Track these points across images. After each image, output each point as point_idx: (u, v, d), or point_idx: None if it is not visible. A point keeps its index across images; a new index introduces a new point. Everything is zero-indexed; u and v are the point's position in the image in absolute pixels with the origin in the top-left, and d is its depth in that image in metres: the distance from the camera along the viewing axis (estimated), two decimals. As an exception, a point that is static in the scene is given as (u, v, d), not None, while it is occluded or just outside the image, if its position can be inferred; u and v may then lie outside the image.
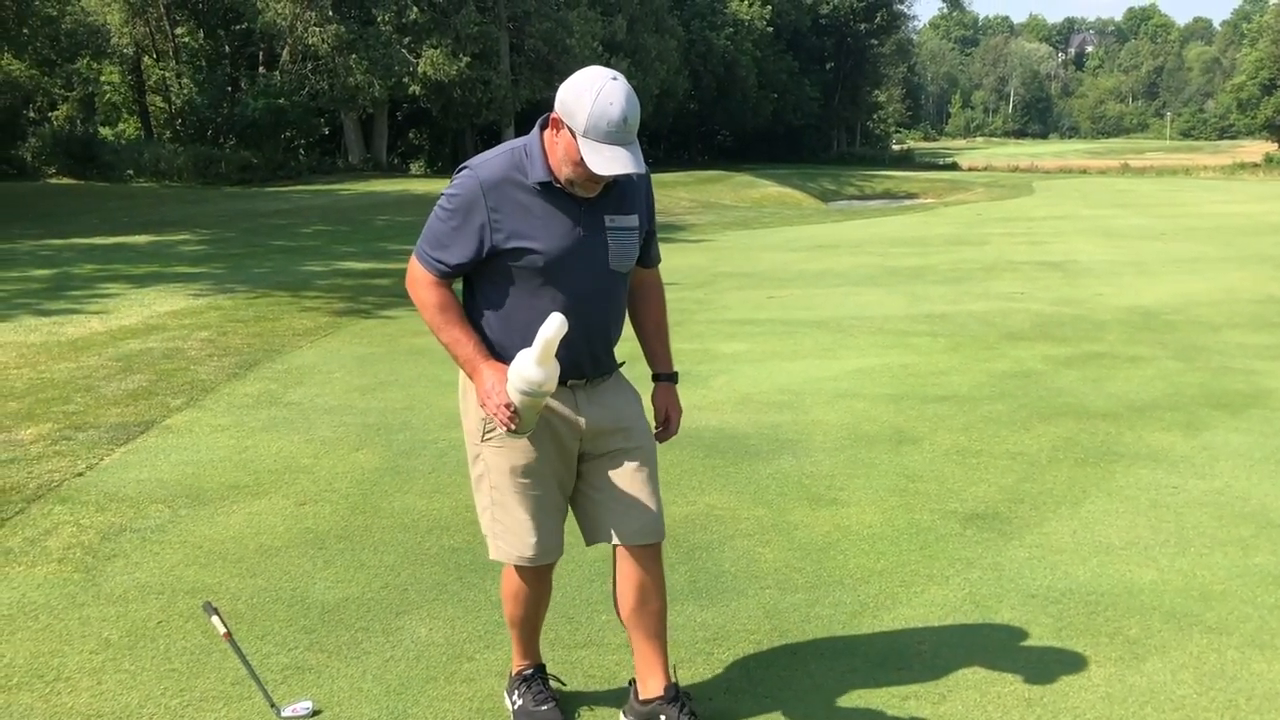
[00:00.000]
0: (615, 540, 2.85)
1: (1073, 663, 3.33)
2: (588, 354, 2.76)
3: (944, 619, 3.64)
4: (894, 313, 10.49)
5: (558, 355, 2.57)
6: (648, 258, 2.95)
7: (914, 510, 4.72)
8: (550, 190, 2.64)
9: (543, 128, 2.66)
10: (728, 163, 51.54)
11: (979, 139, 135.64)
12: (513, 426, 2.61)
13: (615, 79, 2.55)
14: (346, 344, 8.62)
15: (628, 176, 2.64)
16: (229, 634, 3.28)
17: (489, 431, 2.76)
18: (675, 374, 3.09)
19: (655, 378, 3.06)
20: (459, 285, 2.81)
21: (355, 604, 3.73)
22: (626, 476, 2.84)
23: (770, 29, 52.81)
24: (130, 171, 31.95)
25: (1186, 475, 5.22)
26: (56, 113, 35.92)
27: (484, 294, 2.74)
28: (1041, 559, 4.16)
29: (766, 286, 12.66)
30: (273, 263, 14.41)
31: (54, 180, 30.71)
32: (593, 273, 2.70)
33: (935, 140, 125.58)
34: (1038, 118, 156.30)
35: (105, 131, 38.22)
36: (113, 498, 4.78)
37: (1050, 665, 3.31)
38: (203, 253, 15.67)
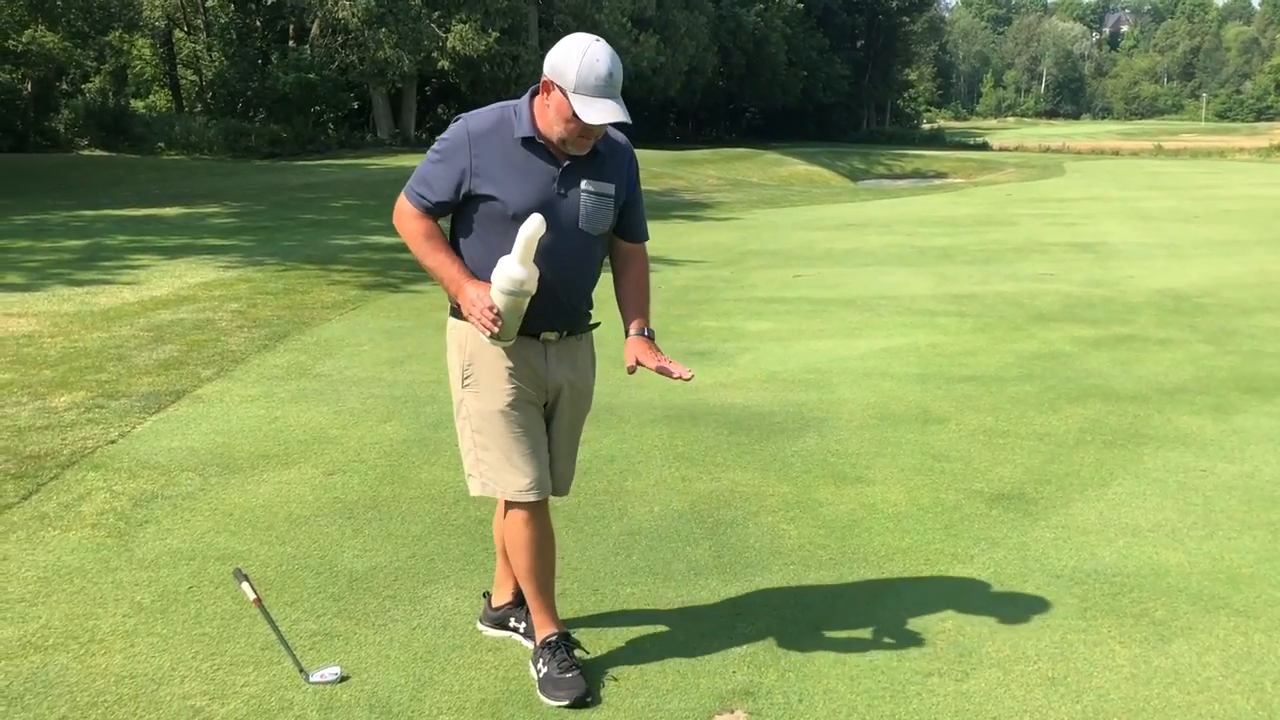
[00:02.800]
0: None
1: (1097, 643, 3.33)
2: (559, 307, 2.95)
3: (968, 598, 3.64)
4: (922, 293, 10.44)
5: (535, 306, 2.82)
6: (634, 231, 3.12)
7: (939, 489, 4.71)
8: (533, 145, 2.86)
9: (533, 95, 2.88)
10: (756, 140, 51.30)
11: (1010, 119, 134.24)
12: (495, 329, 2.79)
13: (598, 41, 2.78)
14: (375, 317, 8.67)
15: (612, 144, 2.95)
16: (259, 600, 3.33)
17: (468, 377, 2.99)
18: (649, 331, 3.11)
19: (626, 334, 3.11)
20: (446, 225, 3.02)
21: (383, 573, 3.78)
22: (562, 433, 3.11)
23: (801, 6, 52.44)
24: (161, 144, 32.15)
25: (1216, 459, 5.19)
26: (89, 85, 36.12)
27: (464, 238, 2.96)
28: (1067, 540, 4.15)
29: (794, 265, 12.62)
30: (301, 236, 14.48)
31: (86, 152, 30.94)
32: (563, 229, 2.87)
33: (966, 120, 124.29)
34: (1070, 98, 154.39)
35: (137, 104, 38.43)
36: (145, 465, 4.84)
37: (1074, 645, 3.31)
38: (233, 225, 15.75)
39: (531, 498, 2.99)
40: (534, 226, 2.73)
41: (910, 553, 4.03)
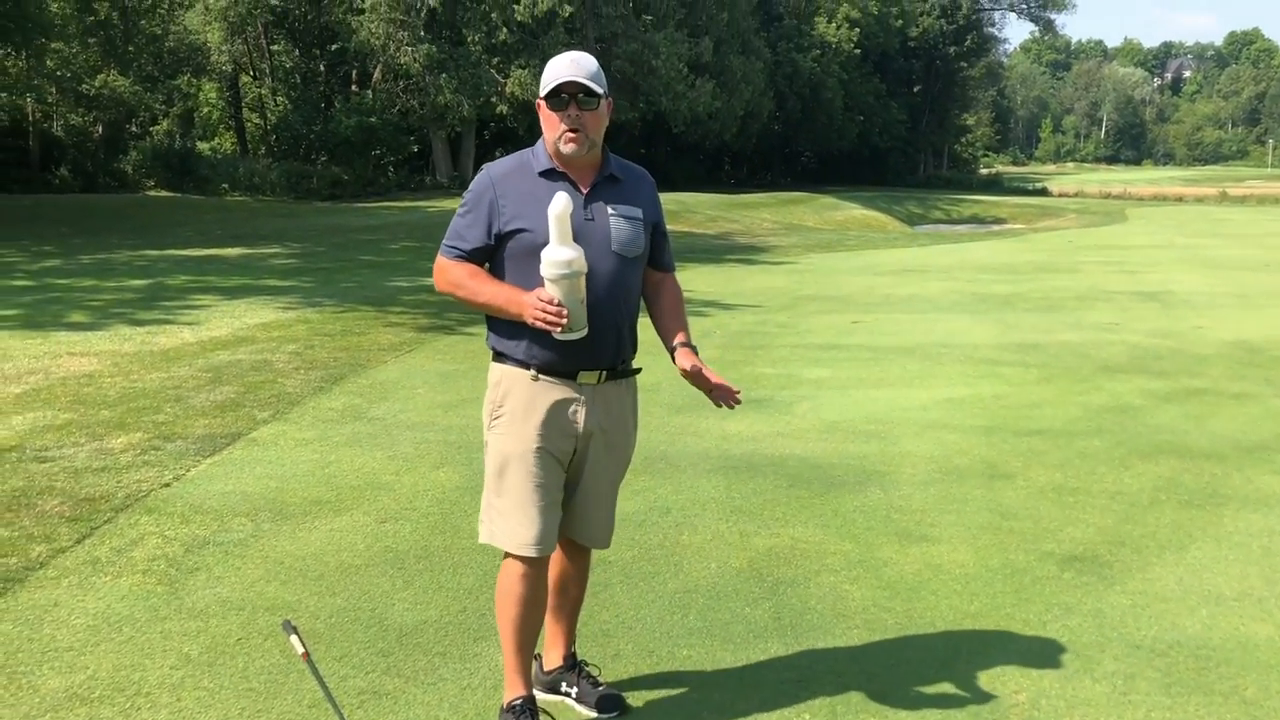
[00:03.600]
0: (573, 535, 3.08)
1: (1183, 722, 3.14)
2: (599, 340, 2.87)
3: (1042, 668, 3.46)
4: (984, 341, 10.24)
5: (575, 341, 2.80)
6: (664, 259, 3.14)
7: (1009, 550, 4.53)
8: (552, 175, 2.89)
9: (545, 141, 2.95)
10: (811, 184, 51.23)
11: (1069, 164, 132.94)
12: (563, 321, 2.73)
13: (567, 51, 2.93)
14: (430, 360, 8.65)
15: (631, 171, 3.02)
16: (307, 654, 3.24)
17: (497, 417, 2.94)
18: (694, 346, 3.09)
19: (672, 349, 3.06)
20: None
21: (433, 627, 3.68)
22: (591, 484, 3.03)
23: (858, 51, 52.42)
24: (225, 185, 32.83)
25: (1301, 522, 4.95)
26: (157, 128, 37.05)
27: (501, 279, 2.93)
28: (1146, 607, 3.95)
29: (851, 311, 12.46)
30: (360, 278, 14.61)
31: (152, 193, 31.66)
32: (596, 253, 2.84)
33: (1024, 165, 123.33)
34: (1131, 143, 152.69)
35: (203, 146, 39.32)
36: (197, 510, 4.81)
37: (1159, 723, 3.12)
38: (292, 266, 15.96)
39: (531, 553, 2.92)
40: (561, 204, 2.72)
41: (980, 617, 3.86)
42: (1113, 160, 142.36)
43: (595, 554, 3.36)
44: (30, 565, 4.07)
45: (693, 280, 15.75)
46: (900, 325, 11.29)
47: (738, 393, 3.05)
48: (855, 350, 9.63)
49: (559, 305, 2.74)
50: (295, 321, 10.38)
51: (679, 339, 3.05)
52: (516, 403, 2.93)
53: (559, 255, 2.73)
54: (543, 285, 2.78)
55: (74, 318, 10.27)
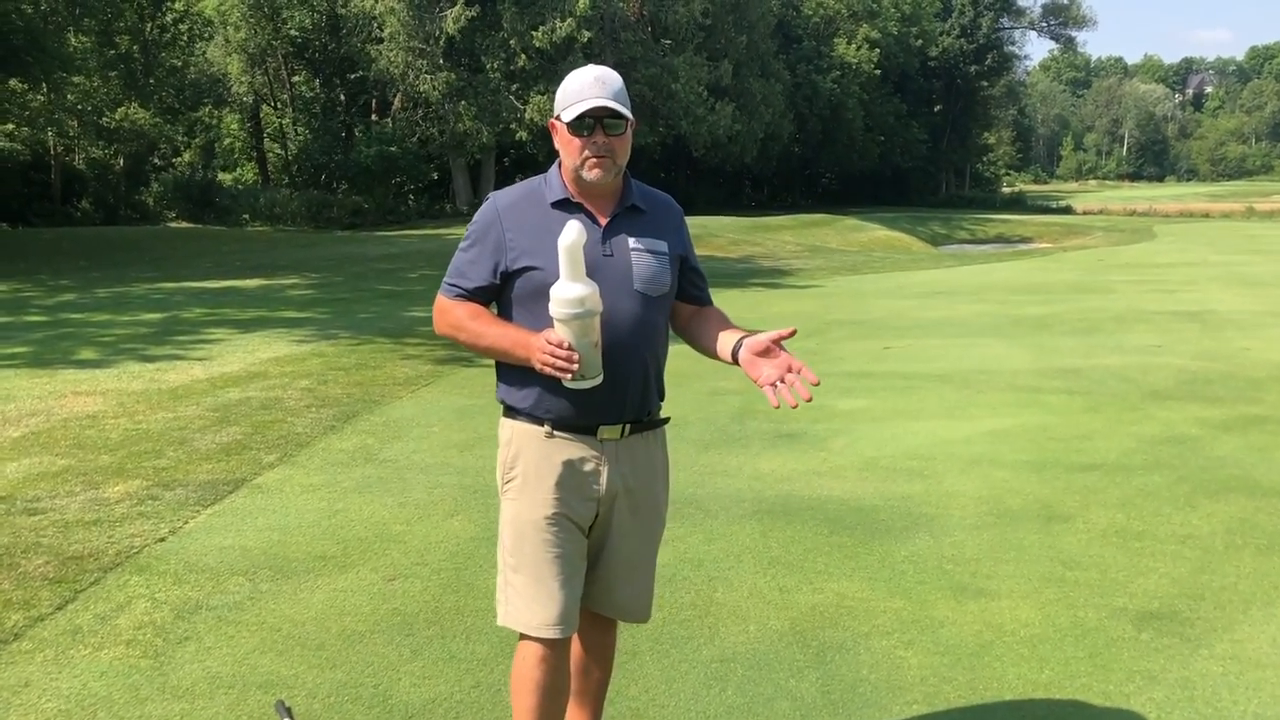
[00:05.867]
0: (602, 610, 2.73)
1: (1302, 820, 2.72)
2: (621, 389, 2.54)
3: (1130, 751, 3.06)
4: (1022, 366, 9.81)
5: (593, 392, 2.47)
6: (704, 294, 2.81)
7: (1076, 606, 4.12)
8: (567, 207, 2.56)
9: (560, 166, 2.63)
10: (832, 206, 50.85)
11: (1092, 182, 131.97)
12: (574, 366, 2.40)
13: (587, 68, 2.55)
14: (446, 394, 8.31)
15: (656, 201, 2.67)
16: (300, 745, 2.88)
17: (510, 479, 2.62)
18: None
19: (734, 352, 2.60)
20: None
21: (443, 706, 3.31)
22: (618, 552, 2.68)
23: (878, 72, 52.09)
24: (246, 215, 32.80)
25: (1394, 569, 4.51)
26: (179, 159, 37.13)
27: (509, 320, 2.62)
28: (1239, 675, 3.53)
29: (882, 336, 12.05)
30: (378, 308, 14.32)
31: (173, 224, 31.64)
32: (616, 293, 2.51)
33: (1046, 183, 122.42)
34: (1153, 160, 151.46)
35: (225, 177, 39.41)
36: (192, 568, 4.46)
37: (1274, 822, 2.71)
38: (310, 297, 15.69)
39: (553, 634, 2.56)
40: (572, 235, 2.38)
41: (1052, 687, 3.45)
42: (1135, 177, 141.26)
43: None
44: (4, 637, 3.72)
45: (716, 305, 15.37)
46: (933, 350, 10.87)
47: (812, 381, 2.49)
48: (888, 378, 9.22)
49: (569, 349, 2.39)
50: (309, 355, 10.07)
51: (739, 334, 2.61)
52: (529, 464, 2.58)
53: (569, 292, 2.38)
54: (552, 327, 2.44)
55: (83, 354, 10.00)
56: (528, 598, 2.57)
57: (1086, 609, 4.08)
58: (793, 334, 2.52)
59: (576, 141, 2.51)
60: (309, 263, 21.31)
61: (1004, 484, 5.81)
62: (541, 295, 2.47)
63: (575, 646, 2.78)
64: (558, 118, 2.54)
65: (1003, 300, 16.08)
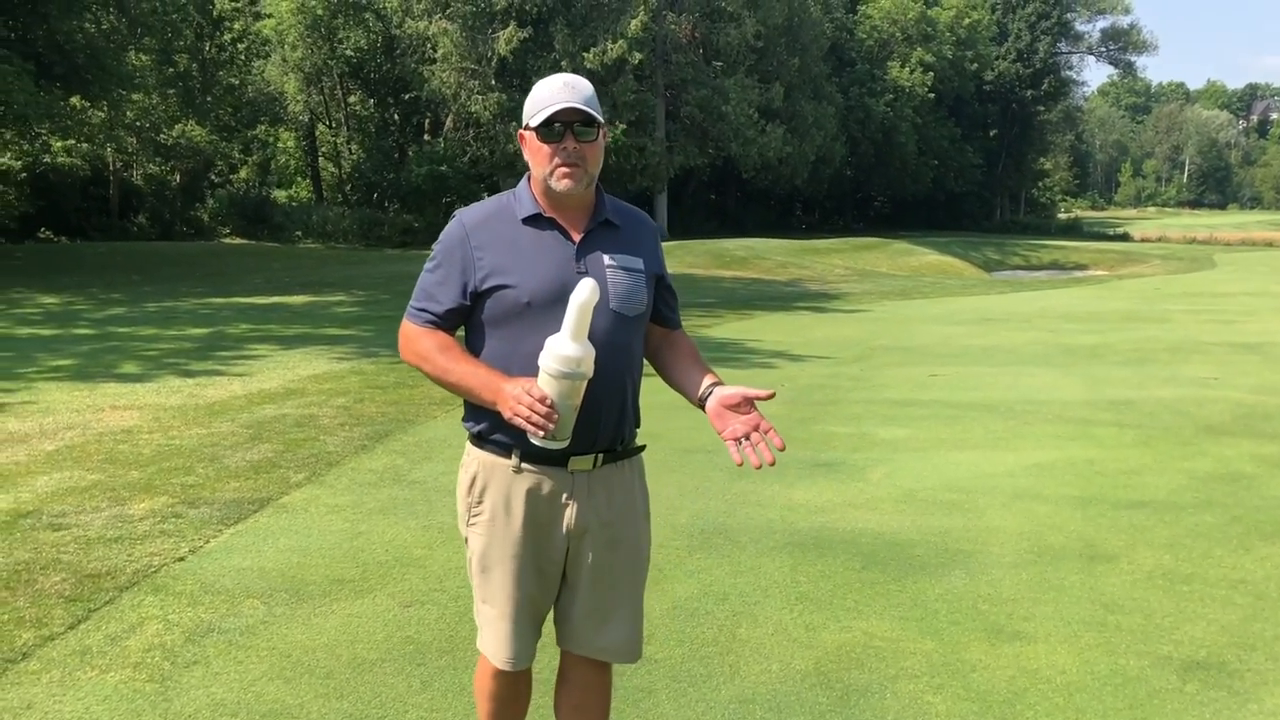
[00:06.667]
0: (585, 652, 2.59)
1: None
2: (596, 415, 2.40)
3: (1170, 814, 2.87)
4: (1072, 397, 9.55)
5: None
6: (674, 316, 2.69)
7: (1117, 653, 3.92)
8: (539, 222, 2.46)
9: (529, 178, 2.52)
10: (884, 230, 50.49)
11: (1150, 208, 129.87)
12: (551, 425, 2.26)
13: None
14: (481, 416, 8.23)
15: (630, 216, 2.57)
16: (295, 781, 2.79)
17: (476, 514, 2.52)
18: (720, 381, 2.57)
19: (702, 399, 2.50)
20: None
21: (449, 742, 3.20)
22: (605, 589, 2.54)
23: (932, 95, 51.76)
24: (299, 232, 33.20)
25: None
26: (236, 175, 37.72)
27: (476, 345, 2.50)
28: (1291, 733, 3.32)
29: (928, 363, 11.83)
30: (420, 326, 14.33)
31: (227, 240, 32.09)
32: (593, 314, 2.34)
33: (1103, 210, 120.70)
34: (1215, 187, 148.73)
35: (279, 194, 39.95)
36: (208, 589, 4.40)
37: None
38: (355, 314, 15.77)
39: (509, 668, 2.53)
40: (587, 292, 2.26)
41: (1088, 741, 3.27)
42: (1196, 205, 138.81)
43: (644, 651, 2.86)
44: (13, 656, 3.68)
45: (761, 329, 15.22)
46: (981, 379, 10.63)
47: (780, 448, 2.42)
48: (933, 407, 9.02)
49: (550, 406, 2.26)
50: (348, 373, 10.08)
51: (709, 379, 2.52)
52: (497, 498, 2.48)
53: (568, 350, 2.25)
54: (532, 357, 2.31)
55: (125, 368, 10.08)
56: (492, 627, 2.55)
57: (1128, 656, 3.89)
58: (771, 397, 2.43)
59: (545, 149, 2.40)
60: (357, 280, 21.46)
61: (1046, 520, 5.61)
62: (515, 316, 2.38)
63: (571, 689, 2.66)
64: (526, 127, 2.44)
65: (1054, 328, 15.76)
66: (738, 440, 2.41)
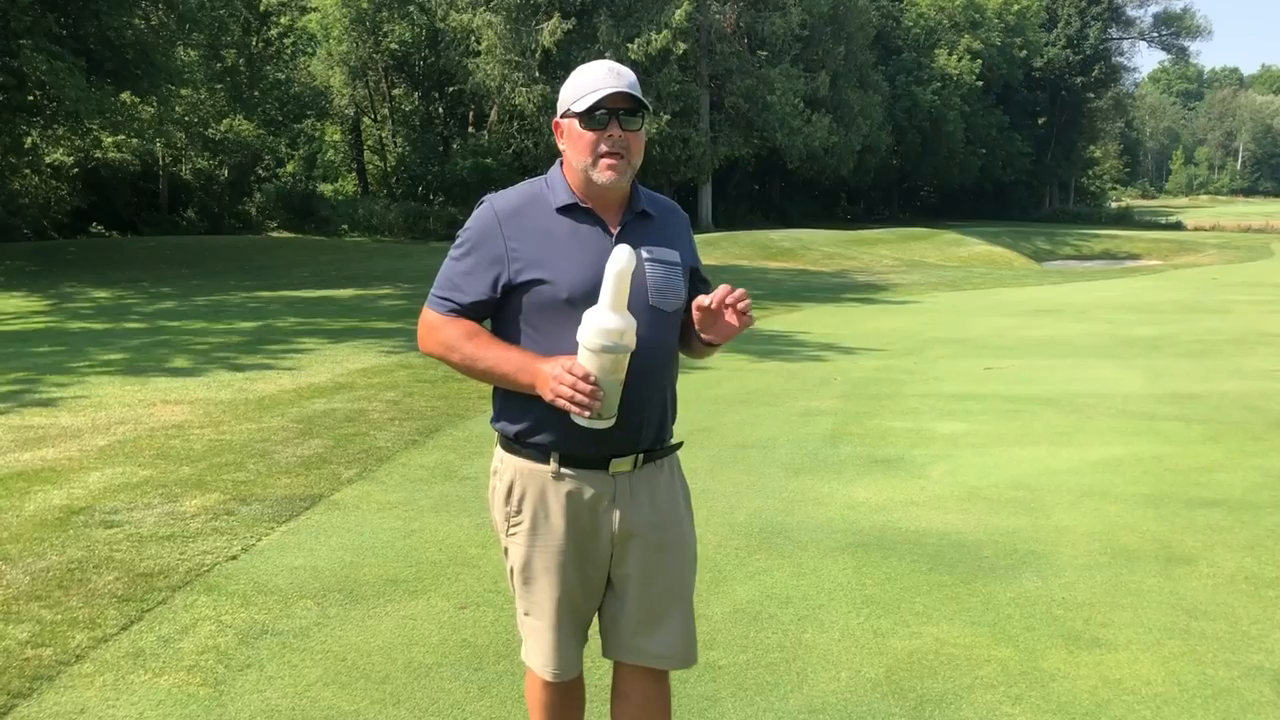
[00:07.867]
0: (639, 660, 2.46)
1: None
2: (634, 415, 2.30)
3: (1275, 839, 2.70)
4: (1134, 391, 9.29)
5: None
6: None
7: (1203, 662, 3.74)
8: (575, 212, 2.34)
9: (561, 164, 2.40)
10: (930, 219, 49.93)
11: (1203, 197, 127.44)
12: (596, 404, 2.15)
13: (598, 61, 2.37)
14: (531, 411, 8.14)
15: (662, 206, 2.46)
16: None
17: (515, 523, 2.40)
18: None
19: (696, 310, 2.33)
20: None
21: (509, 751, 3.10)
22: (656, 593, 2.43)
23: (980, 83, 51.01)
24: (345, 226, 33.34)
25: None
26: (283, 170, 37.99)
27: (510, 342, 2.35)
28: (1399, 752, 3.13)
29: (983, 355, 11.59)
30: (467, 319, 14.29)
31: (275, 234, 32.31)
32: (632, 308, 2.23)
33: (1154, 198, 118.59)
34: (1270, 174, 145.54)
35: (326, 188, 40.18)
36: (261, 589, 4.33)
37: None
38: (402, 308, 15.75)
39: (555, 680, 2.48)
40: (624, 259, 2.15)
41: (1180, 758, 3.10)
42: (1250, 192, 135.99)
43: (702, 657, 2.74)
44: (66, 658, 3.62)
45: (809, 321, 15.02)
46: (1038, 372, 10.39)
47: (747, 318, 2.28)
48: (991, 400, 8.80)
49: (594, 383, 2.14)
50: (397, 367, 10.03)
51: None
52: (536, 505, 2.36)
53: (608, 322, 2.14)
54: (572, 354, 2.19)
55: (176, 362, 10.10)
56: (537, 638, 2.47)
57: (1216, 666, 3.70)
58: (740, 293, 2.26)
59: (589, 136, 2.28)
60: (403, 273, 21.48)
61: (1118, 519, 5.41)
62: (552, 313, 2.27)
63: (628, 704, 2.52)
64: (564, 114, 2.33)
65: (1111, 319, 15.42)
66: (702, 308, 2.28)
